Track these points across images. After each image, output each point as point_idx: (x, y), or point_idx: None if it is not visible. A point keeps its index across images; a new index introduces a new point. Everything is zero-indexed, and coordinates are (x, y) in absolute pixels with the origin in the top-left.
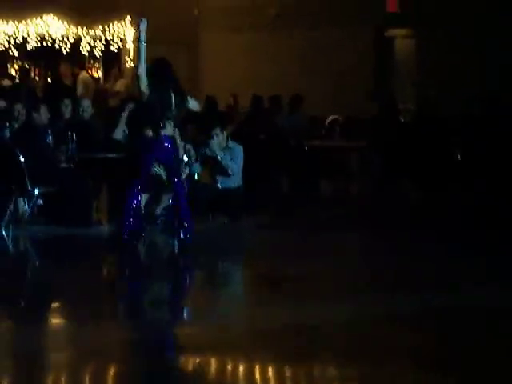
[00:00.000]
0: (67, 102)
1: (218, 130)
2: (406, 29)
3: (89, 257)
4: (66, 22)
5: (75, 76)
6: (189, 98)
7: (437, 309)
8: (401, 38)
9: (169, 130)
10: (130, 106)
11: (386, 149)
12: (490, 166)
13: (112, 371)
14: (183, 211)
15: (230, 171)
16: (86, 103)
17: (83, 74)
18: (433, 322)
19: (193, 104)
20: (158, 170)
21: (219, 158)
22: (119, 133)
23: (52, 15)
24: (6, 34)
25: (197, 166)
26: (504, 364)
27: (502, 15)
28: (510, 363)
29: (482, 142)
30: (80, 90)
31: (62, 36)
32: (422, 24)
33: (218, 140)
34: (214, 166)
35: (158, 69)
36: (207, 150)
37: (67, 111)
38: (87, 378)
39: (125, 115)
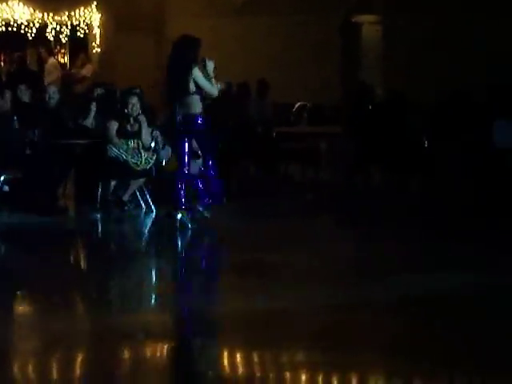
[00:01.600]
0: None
1: None
2: (373, 15)
3: (55, 244)
4: (31, 8)
5: (42, 61)
6: (212, 82)
7: (411, 295)
8: (368, 24)
9: (194, 108)
10: (100, 91)
11: (357, 135)
12: (456, 153)
13: (78, 360)
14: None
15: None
16: (53, 89)
17: (52, 61)
18: (407, 309)
19: (210, 89)
20: (126, 155)
21: None
22: (89, 121)
23: (17, 0)
24: None
25: (165, 153)
26: (479, 350)
27: (469, 1)
28: (484, 349)
29: (449, 129)
30: (52, 76)
31: (28, 21)
32: (388, 10)
33: None
34: None
35: (173, 49)
36: None
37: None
38: (53, 367)
39: (94, 104)
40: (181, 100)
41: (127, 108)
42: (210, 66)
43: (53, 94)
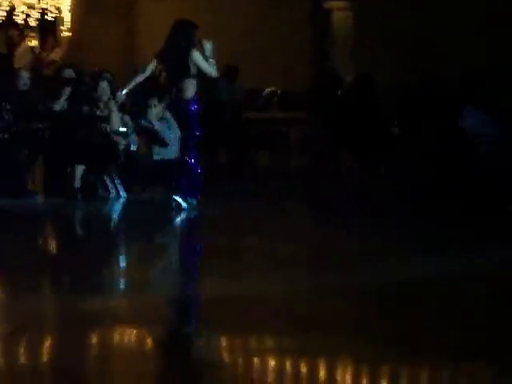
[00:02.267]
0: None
1: (155, 101)
2: (344, 1)
3: (23, 228)
4: None
5: (12, 44)
6: (207, 63)
7: (384, 282)
8: (338, 10)
9: (186, 92)
10: (68, 72)
11: (327, 121)
12: (428, 140)
13: (44, 344)
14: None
15: (167, 141)
16: (26, 75)
17: (24, 45)
18: (381, 295)
19: (208, 69)
20: None
21: (156, 128)
22: (60, 105)
23: None
24: None
25: (134, 137)
26: (450, 335)
27: None
28: (454, 335)
29: (419, 116)
30: (23, 60)
31: None
32: None
33: (156, 111)
34: (150, 137)
35: (171, 31)
36: (144, 121)
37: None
38: (18, 351)
39: (68, 89)
40: (177, 84)
41: (97, 92)
42: (208, 47)
43: (26, 79)
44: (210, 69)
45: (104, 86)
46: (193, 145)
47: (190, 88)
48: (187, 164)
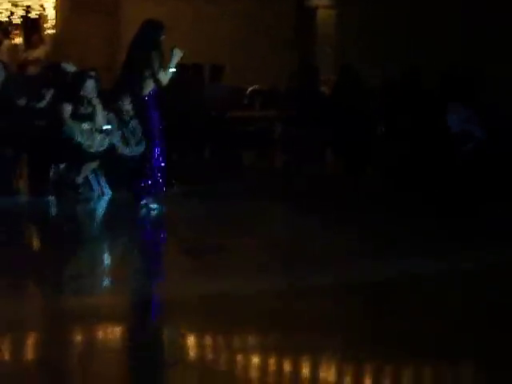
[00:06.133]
0: None
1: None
2: None
3: (6, 226)
4: None
5: None
6: (166, 70)
7: (358, 281)
8: (322, 9)
9: (145, 89)
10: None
11: (308, 120)
12: (414, 138)
13: (29, 342)
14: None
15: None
16: None
17: (8, 42)
18: (354, 294)
19: (161, 76)
20: (79, 138)
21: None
22: (43, 104)
23: None
24: None
25: (117, 135)
26: (420, 333)
27: None
28: (424, 332)
29: (405, 114)
30: (5, 58)
31: None
32: None
33: (126, 109)
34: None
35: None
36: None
37: None
38: (4, 349)
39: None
40: (136, 81)
41: (82, 90)
42: (176, 56)
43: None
44: (164, 76)
45: (89, 83)
46: (155, 138)
47: (149, 85)
48: (150, 159)
